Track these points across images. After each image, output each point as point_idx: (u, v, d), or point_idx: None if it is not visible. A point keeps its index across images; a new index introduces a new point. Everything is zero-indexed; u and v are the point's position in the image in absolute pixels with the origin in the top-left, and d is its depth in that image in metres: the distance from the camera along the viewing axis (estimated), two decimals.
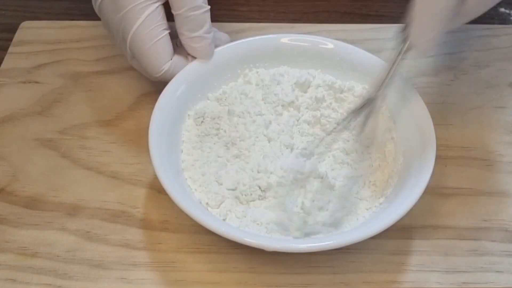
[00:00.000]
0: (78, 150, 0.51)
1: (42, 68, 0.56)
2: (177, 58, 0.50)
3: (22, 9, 0.63)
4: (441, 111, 0.53)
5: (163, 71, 0.49)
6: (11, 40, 0.58)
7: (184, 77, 0.49)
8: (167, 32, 0.49)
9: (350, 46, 0.51)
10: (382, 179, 0.47)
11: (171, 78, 0.49)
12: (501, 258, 0.45)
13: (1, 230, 0.46)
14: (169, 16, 0.49)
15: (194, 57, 0.50)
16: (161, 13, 0.48)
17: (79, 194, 0.48)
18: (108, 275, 0.44)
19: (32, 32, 0.59)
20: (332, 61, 0.52)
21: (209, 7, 0.49)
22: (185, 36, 0.49)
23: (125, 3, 0.47)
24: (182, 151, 0.48)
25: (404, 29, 0.43)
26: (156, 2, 0.48)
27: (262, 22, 0.61)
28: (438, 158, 0.45)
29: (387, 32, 0.59)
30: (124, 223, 0.47)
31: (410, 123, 0.47)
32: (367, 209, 0.45)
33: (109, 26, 0.50)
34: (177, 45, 0.50)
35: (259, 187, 0.46)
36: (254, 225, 0.44)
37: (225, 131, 0.49)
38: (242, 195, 0.45)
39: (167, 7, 0.49)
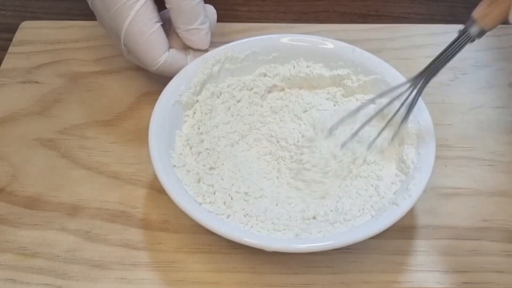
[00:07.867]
0: (78, 150, 0.51)
1: (42, 68, 0.56)
2: (174, 50, 0.50)
3: (22, 9, 0.63)
4: (441, 111, 0.53)
5: (160, 63, 0.49)
6: (11, 40, 0.58)
7: (184, 76, 0.49)
8: (159, 24, 0.49)
9: (350, 46, 0.51)
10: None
11: (170, 69, 0.50)
12: (501, 258, 0.45)
13: (1, 230, 0.46)
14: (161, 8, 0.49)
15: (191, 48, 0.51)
16: (150, 6, 0.48)
17: (79, 194, 0.48)
18: (108, 275, 0.44)
19: (32, 32, 0.59)
20: (332, 61, 0.52)
21: None
22: (181, 29, 0.49)
23: (114, 1, 0.47)
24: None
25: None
26: None
27: (262, 22, 0.61)
28: (438, 158, 0.45)
29: (387, 32, 0.59)
30: (124, 223, 0.47)
31: (410, 123, 0.47)
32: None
33: (103, 24, 0.51)
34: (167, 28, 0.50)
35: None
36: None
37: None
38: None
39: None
